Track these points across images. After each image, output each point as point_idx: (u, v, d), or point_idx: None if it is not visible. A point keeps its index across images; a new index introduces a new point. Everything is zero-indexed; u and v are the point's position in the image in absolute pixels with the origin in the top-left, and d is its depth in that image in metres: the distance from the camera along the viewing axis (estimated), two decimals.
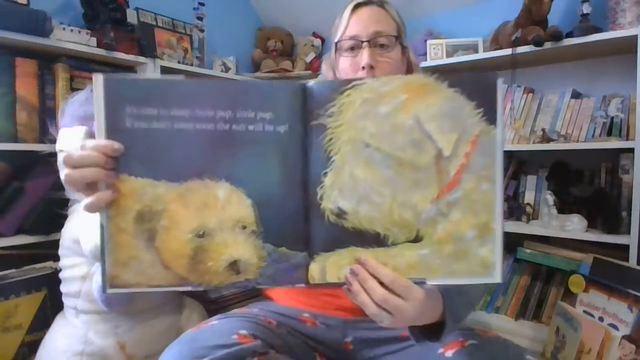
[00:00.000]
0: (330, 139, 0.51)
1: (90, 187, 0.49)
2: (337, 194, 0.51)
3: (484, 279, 0.51)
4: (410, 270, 0.51)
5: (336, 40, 0.81)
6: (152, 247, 0.50)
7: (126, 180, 0.49)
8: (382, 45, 0.77)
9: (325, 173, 0.51)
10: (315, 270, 0.52)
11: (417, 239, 0.51)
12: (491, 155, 0.50)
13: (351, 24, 0.79)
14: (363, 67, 0.75)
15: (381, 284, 0.50)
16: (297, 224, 0.52)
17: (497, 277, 0.51)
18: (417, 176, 0.51)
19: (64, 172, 0.49)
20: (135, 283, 0.50)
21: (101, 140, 0.49)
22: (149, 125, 0.49)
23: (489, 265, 0.51)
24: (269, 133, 0.51)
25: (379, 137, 0.51)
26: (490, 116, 0.50)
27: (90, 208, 0.49)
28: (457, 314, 0.60)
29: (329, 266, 0.52)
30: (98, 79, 0.49)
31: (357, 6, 0.81)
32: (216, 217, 0.50)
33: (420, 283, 0.51)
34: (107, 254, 0.50)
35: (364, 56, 0.76)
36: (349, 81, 0.51)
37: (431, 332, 0.58)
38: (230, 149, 0.51)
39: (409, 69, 0.85)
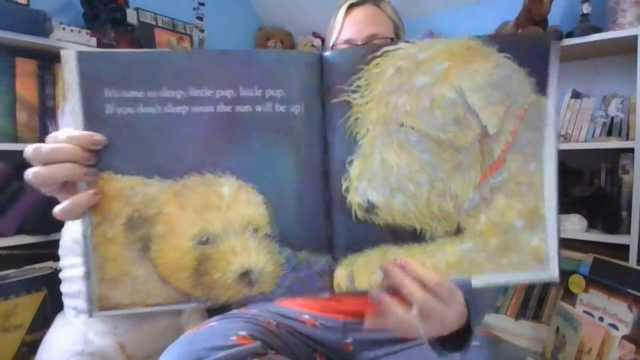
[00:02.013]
0: (356, 119, 0.44)
1: (66, 187, 0.41)
2: (365, 184, 0.44)
3: (538, 273, 0.46)
4: (451, 269, 0.45)
5: (331, 43, 0.80)
6: (147, 259, 0.43)
7: (111, 179, 0.41)
8: None
9: (351, 161, 0.44)
10: (341, 276, 0.45)
11: (457, 232, 0.45)
12: (540, 129, 0.45)
13: (346, 27, 0.77)
14: None
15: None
16: (318, 222, 0.45)
17: (553, 272, 0.45)
18: (458, 159, 0.44)
19: (30, 170, 0.40)
20: (129, 303, 0.43)
21: (77, 131, 0.41)
22: (135, 111, 0.41)
23: (541, 257, 0.45)
24: (280, 115, 0.43)
25: (415, 114, 0.44)
26: (542, 86, 0.45)
27: (67, 214, 0.40)
28: (477, 319, 0.56)
29: (357, 270, 0.45)
30: (69, 55, 0.40)
31: (351, 6, 0.78)
32: (221, 220, 0.43)
33: (463, 284, 0.45)
34: (92, 269, 0.42)
35: None
36: (379, 47, 0.43)
37: (448, 340, 0.53)
38: (235, 136, 0.43)
39: None
